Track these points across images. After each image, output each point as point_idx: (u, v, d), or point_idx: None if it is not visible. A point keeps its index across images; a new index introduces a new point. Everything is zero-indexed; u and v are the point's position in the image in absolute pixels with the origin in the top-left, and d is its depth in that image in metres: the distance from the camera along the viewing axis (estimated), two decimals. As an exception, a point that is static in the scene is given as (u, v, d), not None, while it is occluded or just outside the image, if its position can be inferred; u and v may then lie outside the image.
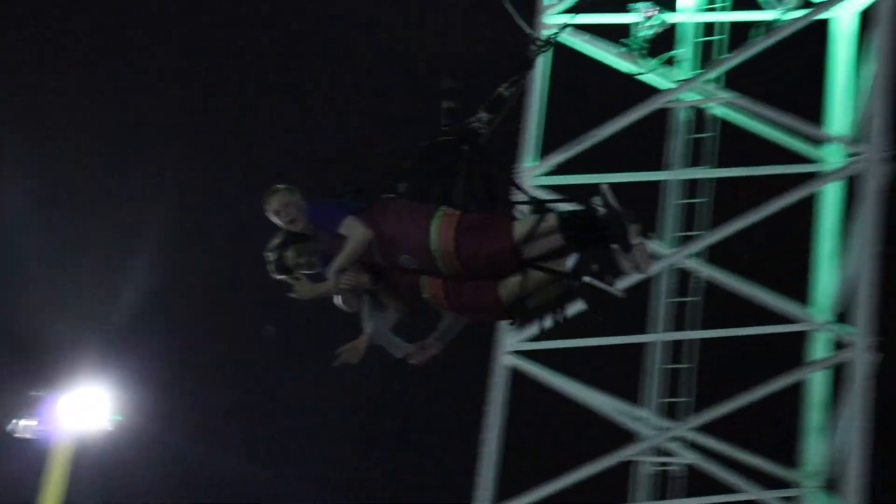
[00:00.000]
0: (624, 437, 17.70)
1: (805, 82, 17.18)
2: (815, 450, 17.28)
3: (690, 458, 17.20)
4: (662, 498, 17.78)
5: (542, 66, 16.97)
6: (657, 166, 17.64)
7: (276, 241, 8.79)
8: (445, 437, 22.30)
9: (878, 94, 15.75)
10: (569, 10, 17.02)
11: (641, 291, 17.42)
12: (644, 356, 17.89)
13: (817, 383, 17.26)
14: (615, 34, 17.14)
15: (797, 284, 17.37)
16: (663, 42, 17.22)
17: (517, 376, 17.62)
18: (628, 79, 17.23)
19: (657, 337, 17.67)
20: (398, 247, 8.34)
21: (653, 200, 17.60)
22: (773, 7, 16.55)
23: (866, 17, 16.16)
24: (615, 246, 7.92)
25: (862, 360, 16.13)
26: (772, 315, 17.20)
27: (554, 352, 17.66)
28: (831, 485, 16.89)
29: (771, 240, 18.25)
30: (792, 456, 17.56)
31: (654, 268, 16.44)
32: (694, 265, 17.21)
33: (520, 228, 8.10)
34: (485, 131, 8.66)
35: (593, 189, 8.04)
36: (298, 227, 8.70)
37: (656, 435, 17.25)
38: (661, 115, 17.29)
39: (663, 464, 17.68)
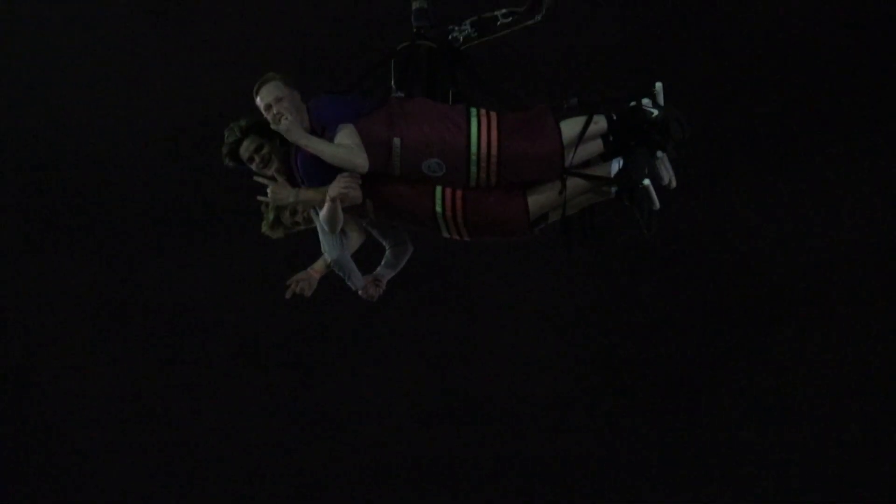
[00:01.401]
0: None
1: None
2: None
3: None
4: None
5: None
6: None
7: (243, 122, 7.08)
8: None
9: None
10: None
11: None
12: None
13: None
14: None
15: None
16: None
17: None
18: None
19: None
20: (426, 151, 7.11)
21: None
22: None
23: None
24: (660, 153, 7.25)
25: None
26: None
27: None
28: None
29: None
30: None
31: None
32: None
33: (568, 130, 7.24)
34: (460, 47, 7.55)
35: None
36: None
37: None
38: None
39: None
